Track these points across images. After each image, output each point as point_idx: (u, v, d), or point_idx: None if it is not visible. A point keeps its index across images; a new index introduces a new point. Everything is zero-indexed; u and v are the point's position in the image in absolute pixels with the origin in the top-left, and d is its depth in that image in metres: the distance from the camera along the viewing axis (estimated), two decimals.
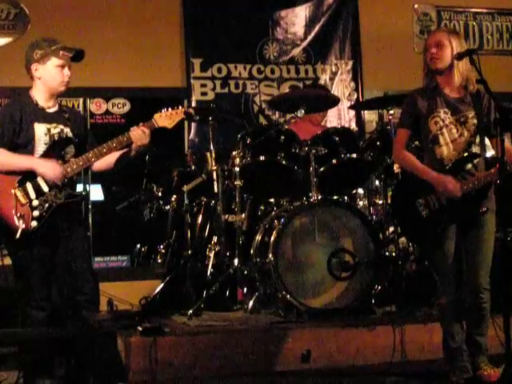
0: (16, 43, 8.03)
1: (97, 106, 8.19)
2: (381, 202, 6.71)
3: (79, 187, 4.93)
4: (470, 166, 4.68)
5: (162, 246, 6.63)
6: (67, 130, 4.75)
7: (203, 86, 8.62)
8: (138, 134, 4.72)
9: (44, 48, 4.69)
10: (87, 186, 4.92)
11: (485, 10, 9.50)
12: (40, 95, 4.76)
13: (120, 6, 8.41)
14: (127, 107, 8.41)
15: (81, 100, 8.01)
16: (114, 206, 7.15)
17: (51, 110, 4.78)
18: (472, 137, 4.73)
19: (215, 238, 6.52)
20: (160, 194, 6.84)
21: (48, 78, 4.72)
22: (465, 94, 4.79)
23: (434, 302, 5.73)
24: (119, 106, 8.39)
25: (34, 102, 4.74)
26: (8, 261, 5.69)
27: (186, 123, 8.31)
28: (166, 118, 4.85)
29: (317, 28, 8.96)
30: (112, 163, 4.91)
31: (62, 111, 4.84)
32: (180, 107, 4.93)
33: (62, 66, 4.71)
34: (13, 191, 4.56)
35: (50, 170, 4.59)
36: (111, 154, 4.82)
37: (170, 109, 4.89)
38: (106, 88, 8.26)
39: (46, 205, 4.59)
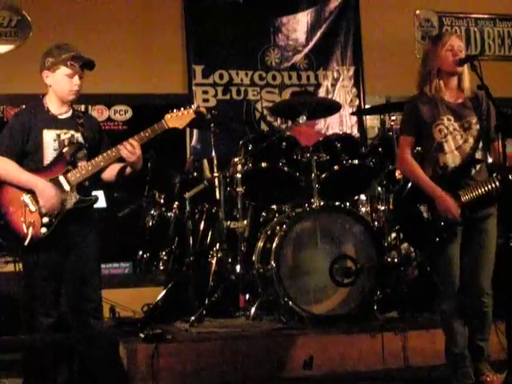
0: (18, 50, 8.05)
1: (98, 113, 8.19)
2: (383, 208, 6.71)
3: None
4: (473, 171, 4.67)
5: (164, 253, 6.62)
6: (78, 135, 4.72)
7: (205, 92, 8.63)
8: (125, 151, 4.64)
9: (55, 56, 4.67)
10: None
11: (486, 16, 9.50)
12: (52, 102, 4.75)
13: (122, 13, 8.43)
14: (129, 114, 8.41)
15: (82, 107, 8.00)
16: (116, 212, 7.15)
17: (63, 117, 4.76)
18: (476, 142, 4.71)
19: (217, 245, 6.51)
20: (162, 200, 6.84)
21: (57, 86, 4.72)
22: (464, 98, 4.79)
23: (436, 307, 5.72)
24: (121, 112, 8.39)
25: (45, 109, 4.73)
26: (12, 268, 5.72)
27: (188, 130, 8.31)
28: (176, 119, 4.80)
29: (318, 34, 8.97)
30: (113, 176, 4.85)
31: (76, 117, 4.81)
32: (192, 106, 4.91)
33: (71, 76, 4.69)
34: (22, 198, 4.55)
35: (46, 199, 4.55)
36: (113, 167, 4.81)
37: (181, 109, 4.86)
38: (108, 95, 8.27)
39: (55, 212, 4.59)
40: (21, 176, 4.58)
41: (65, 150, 4.65)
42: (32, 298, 4.66)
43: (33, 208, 4.55)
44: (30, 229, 4.50)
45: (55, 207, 4.57)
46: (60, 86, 4.71)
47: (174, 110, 4.83)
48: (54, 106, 4.76)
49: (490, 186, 4.58)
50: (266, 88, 8.82)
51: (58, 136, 4.68)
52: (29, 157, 4.65)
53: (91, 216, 4.80)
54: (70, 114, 4.80)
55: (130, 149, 4.65)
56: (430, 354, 5.50)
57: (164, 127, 4.77)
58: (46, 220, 4.55)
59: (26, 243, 4.49)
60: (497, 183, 4.55)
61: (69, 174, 4.62)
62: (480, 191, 4.60)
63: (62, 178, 4.61)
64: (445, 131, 4.72)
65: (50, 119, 4.72)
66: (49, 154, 4.66)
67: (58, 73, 4.69)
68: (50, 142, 4.66)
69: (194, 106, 4.92)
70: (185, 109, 4.86)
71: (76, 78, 4.69)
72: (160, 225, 6.73)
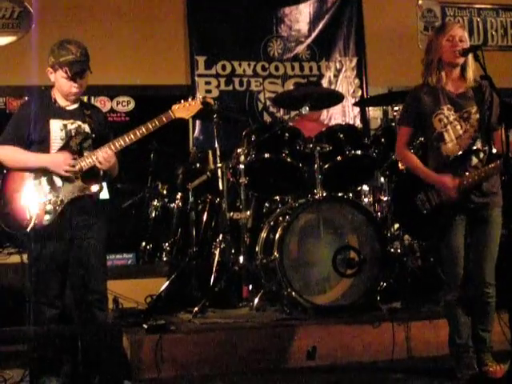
0: (20, 42, 8.05)
1: (101, 104, 8.19)
2: (386, 198, 6.72)
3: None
4: (476, 161, 4.67)
5: (167, 244, 6.63)
6: (84, 126, 4.75)
7: (207, 83, 8.63)
8: (100, 157, 4.67)
9: (56, 57, 4.69)
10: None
11: (489, 6, 9.49)
12: (59, 94, 4.79)
13: (124, 4, 8.43)
14: (131, 105, 8.42)
15: (85, 98, 7.98)
16: (119, 203, 7.16)
17: (71, 107, 4.79)
18: (476, 132, 4.71)
19: (220, 236, 6.50)
20: (165, 191, 6.84)
21: (57, 85, 4.77)
22: (466, 88, 4.78)
23: (439, 298, 5.73)
24: (123, 104, 8.40)
25: (52, 100, 4.77)
26: (16, 259, 5.72)
27: (190, 121, 8.31)
28: (183, 109, 4.84)
29: (321, 25, 8.96)
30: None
31: (84, 108, 4.84)
32: (199, 97, 4.97)
33: (69, 79, 4.70)
34: (27, 186, 4.58)
35: (60, 164, 4.60)
36: None
37: (189, 99, 4.90)
38: (111, 86, 8.27)
39: (59, 199, 4.60)
40: (31, 158, 4.63)
41: (71, 139, 4.67)
42: (36, 288, 4.68)
43: (37, 196, 4.57)
44: (34, 217, 4.52)
45: (74, 168, 4.61)
46: (60, 85, 4.76)
47: (182, 101, 4.86)
48: (60, 98, 4.79)
49: (489, 172, 4.60)
50: (268, 79, 8.82)
51: (65, 126, 4.70)
52: (35, 146, 4.67)
53: (97, 206, 4.81)
54: (77, 105, 4.83)
55: (106, 156, 4.68)
56: (433, 344, 5.50)
57: (171, 117, 4.81)
58: (49, 207, 4.57)
59: (29, 229, 4.50)
60: (498, 163, 4.55)
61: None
62: (481, 175, 4.61)
63: None
64: (445, 121, 4.74)
65: (57, 109, 4.75)
66: (55, 144, 4.68)
67: (57, 73, 4.73)
68: (57, 131, 4.68)
69: (200, 97, 4.96)
70: (192, 99, 4.89)
71: (73, 82, 4.72)
72: (163, 216, 6.73)
